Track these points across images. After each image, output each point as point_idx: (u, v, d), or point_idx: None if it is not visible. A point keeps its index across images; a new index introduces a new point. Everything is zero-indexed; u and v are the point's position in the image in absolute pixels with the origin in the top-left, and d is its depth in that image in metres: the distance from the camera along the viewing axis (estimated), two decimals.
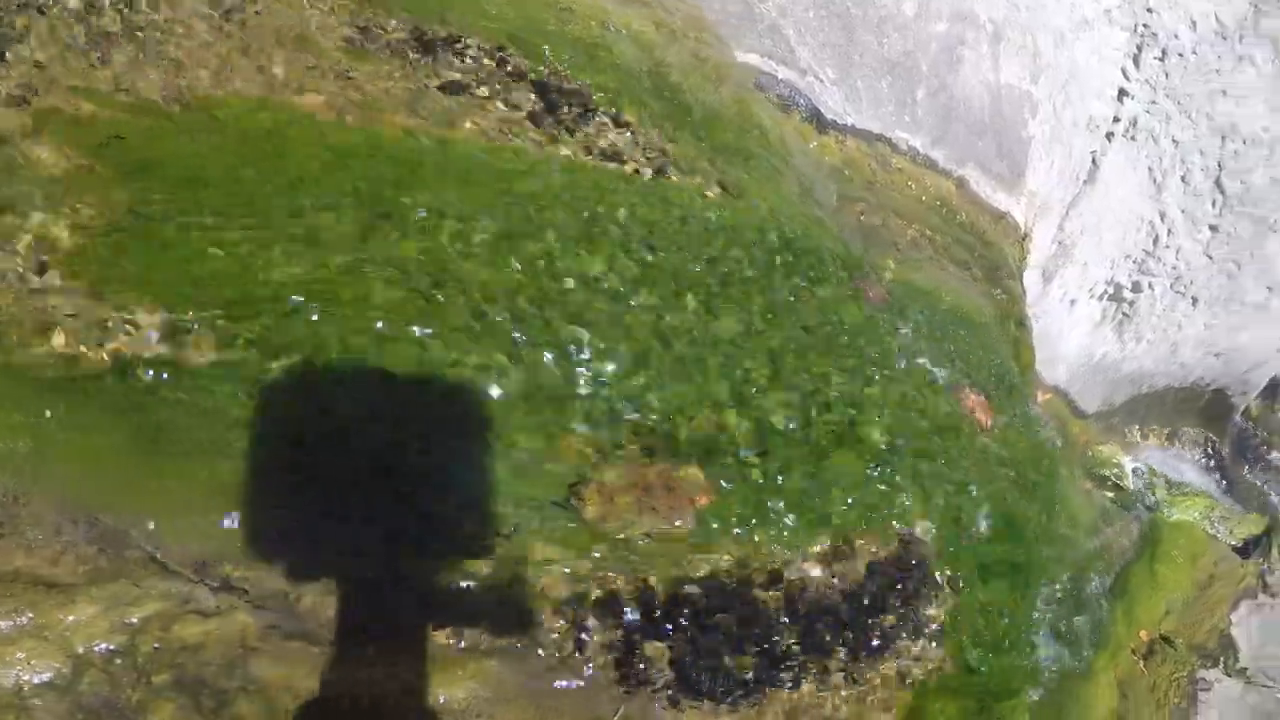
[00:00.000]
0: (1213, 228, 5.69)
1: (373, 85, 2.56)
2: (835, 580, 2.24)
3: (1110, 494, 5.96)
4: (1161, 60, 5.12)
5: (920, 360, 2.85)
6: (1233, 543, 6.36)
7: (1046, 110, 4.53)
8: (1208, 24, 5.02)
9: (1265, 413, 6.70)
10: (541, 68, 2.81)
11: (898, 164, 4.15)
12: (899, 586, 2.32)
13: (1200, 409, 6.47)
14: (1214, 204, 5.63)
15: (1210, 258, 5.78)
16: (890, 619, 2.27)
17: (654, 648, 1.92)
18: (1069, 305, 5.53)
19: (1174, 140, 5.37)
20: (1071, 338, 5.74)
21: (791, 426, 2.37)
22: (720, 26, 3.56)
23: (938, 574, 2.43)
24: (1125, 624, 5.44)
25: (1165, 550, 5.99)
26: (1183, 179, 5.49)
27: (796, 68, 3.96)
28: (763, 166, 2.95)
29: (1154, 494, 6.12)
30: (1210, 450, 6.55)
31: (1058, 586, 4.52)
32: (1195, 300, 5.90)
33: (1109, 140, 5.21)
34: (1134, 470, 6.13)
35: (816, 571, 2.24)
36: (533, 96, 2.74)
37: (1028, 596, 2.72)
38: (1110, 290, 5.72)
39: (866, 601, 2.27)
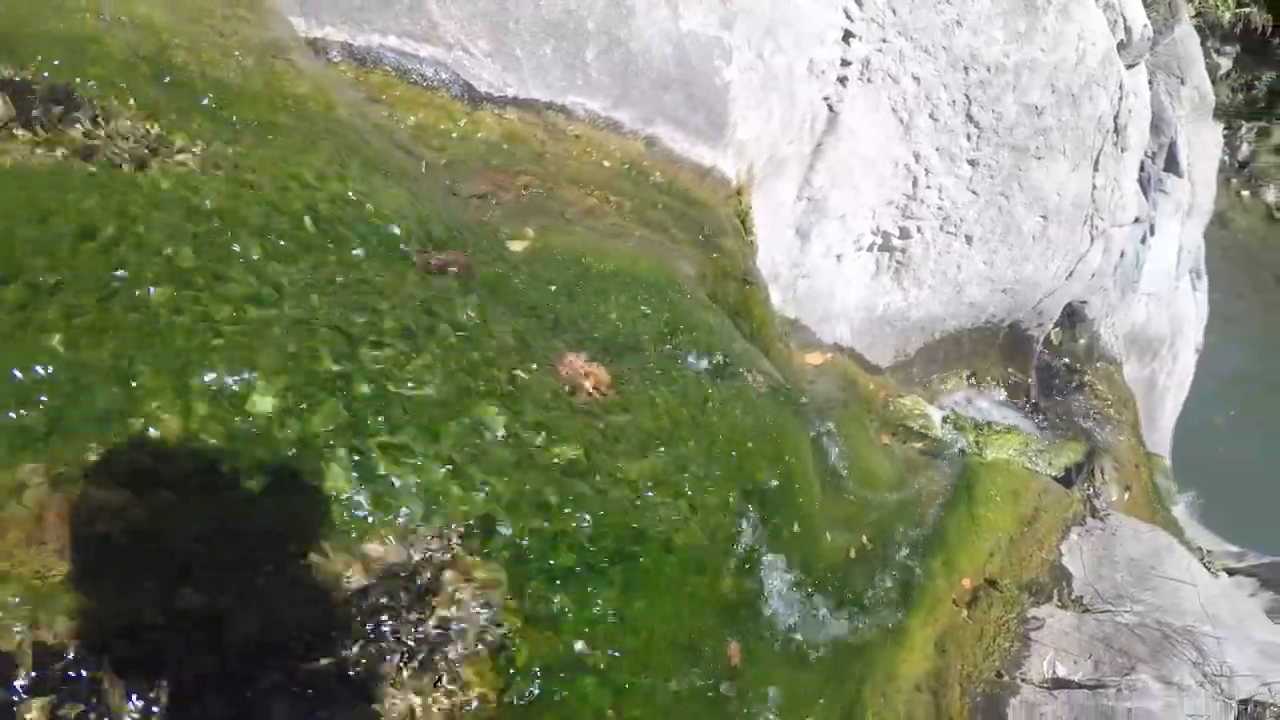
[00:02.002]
0: (972, 162, 5.20)
1: None
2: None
3: (919, 445, 5.41)
4: None
5: (513, 327, 2.21)
6: (1054, 474, 5.85)
7: (747, 57, 3.96)
8: None
9: (1067, 340, 6.24)
10: (18, 71, 2.16)
11: (575, 131, 3.54)
12: (405, 605, 1.67)
13: (1000, 346, 5.97)
14: (969, 138, 5.14)
15: (976, 193, 5.29)
16: (384, 649, 1.62)
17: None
18: (836, 261, 4.97)
19: (915, 78, 4.86)
20: (849, 293, 5.18)
21: (288, 414, 1.72)
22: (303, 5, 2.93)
23: (488, 584, 1.77)
24: (945, 576, 4.86)
25: (983, 492, 5.45)
26: (931, 116, 4.98)
27: (442, 44, 3.36)
28: (294, 140, 2.30)
29: (965, 438, 5.59)
30: (1017, 386, 6.05)
31: (838, 553, 3.93)
32: (970, 238, 5.40)
33: (843, 85, 4.66)
34: (941, 418, 5.60)
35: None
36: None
37: (647, 595, 2.06)
38: (879, 240, 5.18)
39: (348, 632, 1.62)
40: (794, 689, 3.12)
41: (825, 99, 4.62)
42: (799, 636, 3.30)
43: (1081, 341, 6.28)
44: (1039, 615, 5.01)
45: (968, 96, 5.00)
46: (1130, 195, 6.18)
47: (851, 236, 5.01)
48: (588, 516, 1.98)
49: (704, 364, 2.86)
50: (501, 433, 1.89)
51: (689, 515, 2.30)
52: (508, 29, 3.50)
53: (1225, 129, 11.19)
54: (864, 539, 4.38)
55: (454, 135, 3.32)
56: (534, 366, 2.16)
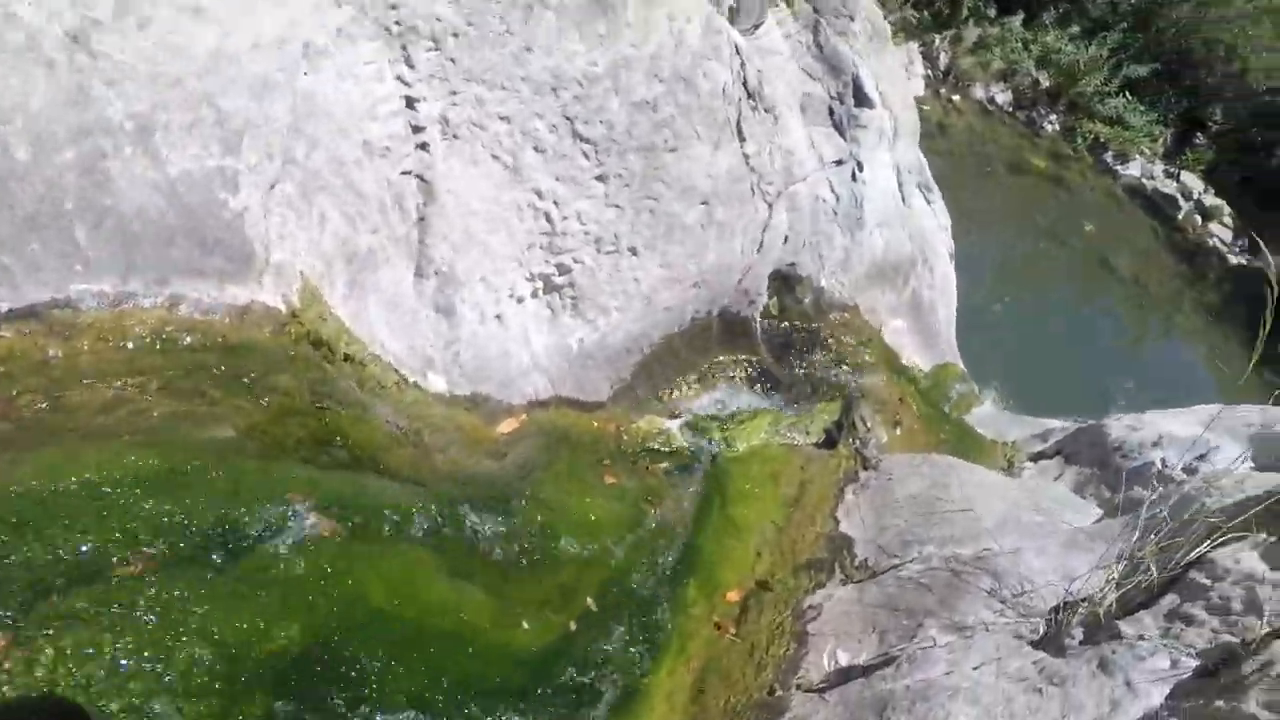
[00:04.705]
0: (600, 178, 5.06)
1: None
2: None
3: (664, 464, 5.29)
4: (437, 49, 4.45)
5: None
6: (815, 440, 5.76)
7: (270, 170, 3.62)
8: None
9: (791, 304, 6.23)
10: None
11: (87, 320, 3.23)
12: None
13: (717, 338, 5.88)
14: (587, 156, 5.00)
15: (619, 206, 5.16)
16: None
17: None
18: (498, 322, 4.80)
19: (503, 118, 4.72)
20: (532, 345, 4.99)
21: None
22: None
23: None
24: (703, 601, 4.55)
25: (737, 489, 5.28)
26: (536, 149, 4.83)
27: None
28: None
29: (711, 438, 5.49)
30: (750, 368, 6.02)
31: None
32: (634, 249, 5.27)
33: (426, 151, 4.52)
34: (680, 428, 5.49)
35: None
36: None
37: None
38: (539, 285, 5.04)
39: None
40: None
41: (408, 173, 4.47)
42: None
43: (806, 300, 6.26)
44: (815, 602, 4.68)
45: (568, 117, 4.85)
46: (801, 149, 6.20)
47: (504, 293, 4.81)
48: None
49: (213, 549, 2.67)
50: None
51: None
52: None
53: (921, 46, 11.74)
54: (588, 602, 4.20)
55: None
56: None
